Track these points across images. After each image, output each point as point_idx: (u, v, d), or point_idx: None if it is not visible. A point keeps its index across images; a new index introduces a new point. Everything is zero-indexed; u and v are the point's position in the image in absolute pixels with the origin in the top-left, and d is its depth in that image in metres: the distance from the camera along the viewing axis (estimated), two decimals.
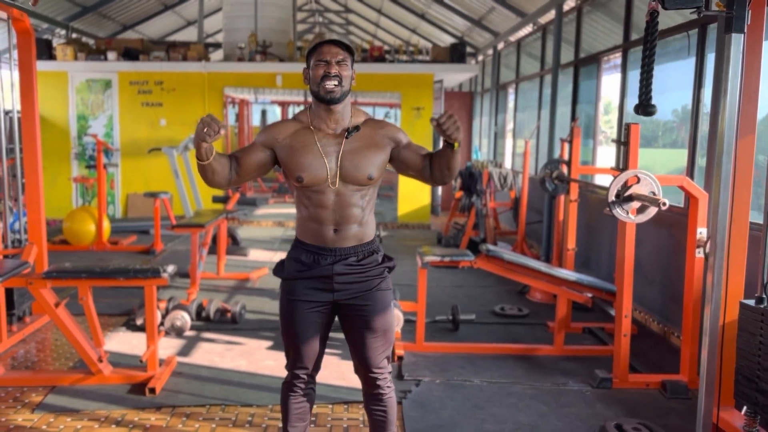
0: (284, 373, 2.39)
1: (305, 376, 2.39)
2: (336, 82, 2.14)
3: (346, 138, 2.21)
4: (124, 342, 4.35)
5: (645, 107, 2.39)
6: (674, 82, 5.21)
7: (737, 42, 2.41)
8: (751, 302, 2.67)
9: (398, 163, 2.31)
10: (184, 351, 4.21)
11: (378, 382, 2.37)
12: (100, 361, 3.58)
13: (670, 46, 5.11)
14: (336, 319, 2.40)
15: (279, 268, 2.38)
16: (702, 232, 3.64)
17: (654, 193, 3.54)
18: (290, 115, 16.76)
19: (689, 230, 3.70)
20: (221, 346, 4.31)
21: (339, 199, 2.22)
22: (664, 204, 3.31)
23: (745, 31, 2.40)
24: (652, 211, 3.54)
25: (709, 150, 3.98)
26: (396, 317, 4.32)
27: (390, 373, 2.41)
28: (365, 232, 2.30)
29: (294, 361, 2.36)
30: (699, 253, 3.64)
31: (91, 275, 3.51)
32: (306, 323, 2.29)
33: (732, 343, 2.76)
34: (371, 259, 2.30)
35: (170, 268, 3.62)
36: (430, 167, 2.26)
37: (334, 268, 2.26)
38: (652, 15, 2.32)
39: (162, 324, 4.52)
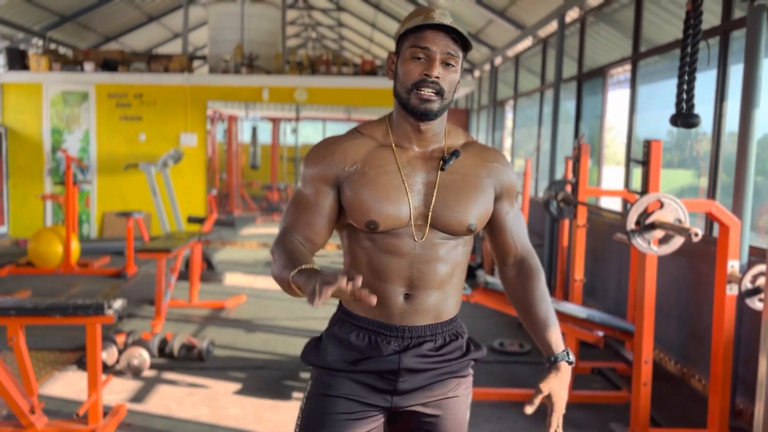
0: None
1: None
2: (436, 90, 1.44)
3: (442, 169, 1.50)
4: (72, 384, 3.81)
5: (686, 117, 1.92)
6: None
7: None
8: None
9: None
10: (139, 396, 3.68)
11: None
12: (33, 412, 3.05)
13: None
14: None
15: (312, 351, 1.57)
16: (734, 265, 3.15)
17: (680, 221, 3.06)
18: (282, 133, 16.15)
19: (718, 263, 3.21)
20: (182, 390, 3.78)
21: (420, 248, 1.49)
22: (696, 234, 2.83)
23: None
24: (678, 241, 3.06)
25: (738, 170, 3.51)
26: None
27: None
28: (448, 304, 1.54)
29: None
30: (730, 290, 3.15)
31: (21, 312, 2.99)
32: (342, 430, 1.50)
33: None
34: (453, 346, 1.55)
35: (117, 303, 3.11)
36: (512, 287, 1.63)
37: (402, 358, 1.50)
38: (695, 3, 1.84)
39: (118, 362, 3.99)
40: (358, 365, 1.50)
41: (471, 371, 1.61)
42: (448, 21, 1.42)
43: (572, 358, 1.54)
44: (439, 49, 1.43)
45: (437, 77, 1.43)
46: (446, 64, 1.44)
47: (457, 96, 12.75)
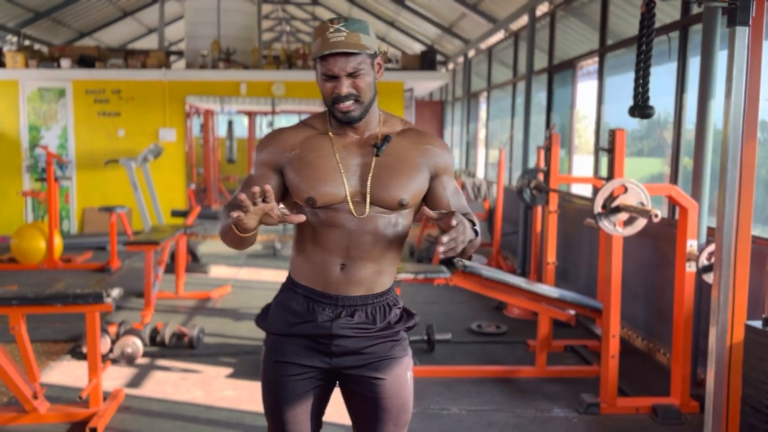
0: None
1: None
2: (352, 101, 1.65)
3: (377, 155, 1.70)
4: (68, 373, 3.95)
5: (642, 109, 2.14)
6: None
7: (741, 36, 2.17)
8: (758, 324, 2.42)
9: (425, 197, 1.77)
10: (135, 381, 3.83)
11: None
12: (35, 397, 3.19)
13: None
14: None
15: (263, 316, 1.83)
16: (692, 244, 3.41)
17: (643, 204, 3.30)
18: (258, 126, 16.17)
19: (678, 242, 3.47)
20: (176, 375, 3.94)
21: (357, 223, 1.69)
22: (657, 215, 3.07)
23: (750, 23, 2.16)
24: (641, 223, 3.30)
25: (696, 157, 3.77)
26: None
27: None
28: (382, 277, 1.74)
29: None
30: (689, 267, 3.40)
31: (23, 302, 3.12)
32: (296, 396, 1.74)
33: (737, 369, 2.50)
34: (385, 315, 1.76)
35: (115, 292, 3.26)
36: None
37: (333, 325, 1.71)
38: (649, 5, 2.07)
39: (111, 351, 4.13)
40: (295, 328, 1.73)
41: (404, 335, 1.81)
42: (342, 38, 1.60)
43: (478, 236, 1.64)
44: (340, 70, 1.62)
45: (348, 92, 1.64)
46: (353, 75, 1.64)
47: (431, 88, 12.95)
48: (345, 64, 1.62)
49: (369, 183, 1.68)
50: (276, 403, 1.76)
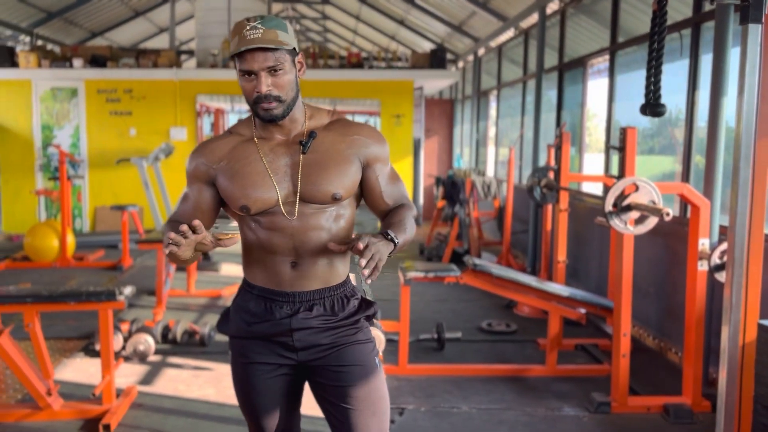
0: None
1: None
2: (272, 99, 1.63)
3: (303, 152, 1.68)
4: (81, 370, 3.98)
5: (654, 107, 2.13)
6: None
7: (754, 33, 2.16)
8: None
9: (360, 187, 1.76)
10: (147, 378, 3.86)
11: None
12: (49, 394, 3.23)
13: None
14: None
15: (223, 322, 1.84)
16: (704, 243, 3.39)
17: (654, 202, 3.28)
18: None
19: (690, 241, 3.45)
20: (188, 372, 3.96)
21: (297, 222, 1.69)
22: (668, 214, 3.06)
23: (763, 21, 2.14)
24: (652, 221, 3.29)
25: (708, 155, 3.75)
26: (377, 339, 4.01)
27: None
28: (336, 269, 1.74)
29: None
30: (701, 266, 3.39)
31: (37, 300, 3.15)
32: (266, 393, 1.75)
33: (750, 368, 2.49)
34: (343, 306, 1.75)
35: (128, 290, 3.28)
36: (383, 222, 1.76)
37: (292, 321, 1.71)
38: (660, 3, 2.06)
39: (123, 348, 4.17)
40: (254, 327, 1.73)
41: (364, 324, 1.79)
42: (259, 34, 1.58)
43: (398, 240, 1.64)
44: (259, 67, 1.59)
45: (269, 90, 1.61)
46: (273, 71, 1.61)
47: (441, 87, 12.93)
48: (263, 60, 1.59)
49: (299, 182, 1.67)
50: (249, 402, 1.78)
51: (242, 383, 1.78)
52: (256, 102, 1.64)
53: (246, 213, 1.69)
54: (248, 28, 1.59)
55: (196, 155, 1.75)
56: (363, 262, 1.50)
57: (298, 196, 1.68)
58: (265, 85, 1.61)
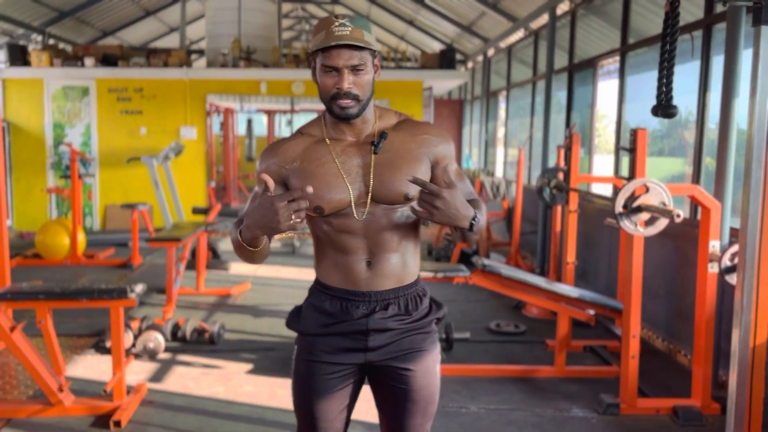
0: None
1: None
2: (351, 98, 1.65)
3: (375, 153, 1.70)
4: (92, 367, 4.02)
5: (665, 108, 2.13)
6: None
7: (767, 35, 2.15)
8: None
9: None
10: (157, 376, 3.88)
11: None
12: (61, 390, 3.25)
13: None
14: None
15: (294, 319, 1.82)
16: (715, 245, 3.38)
17: (664, 204, 3.28)
18: (277, 125, 16.28)
19: (700, 243, 3.44)
20: (197, 370, 3.99)
21: (370, 222, 1.70)
22: (678, 216, 3.05)
23: None
24: (662, 223, 3.28)
25: (719, 157, 3.73)
26: None
27: None
28: (408, 269, 1.76)
29: None
30: (712, 268, 3.38)
31: (50, 296, 3.18)
32: (328, 394, 1.75)
33: (760, 371, 2.49)
34: (417, 306, 1.77)
35: (139, 288, 3.31)
36: None
37: (369, 321, 1.72)
38: (673, 4, 2.06)
39: (134, 346, 4.19)
40: (331, 328, 1.74)
41: (434, 328, 1.81)
42: (347, 32, 1.60)
43: (479, 219, 1.62)
44: (344, 63, 1.62)
45: (349, 88, 1.63)
46: (355, 70, 1.63)
47: (450, 87, 12.93)
48: (348, 57, 1.61)
49: (371, 182, 1.68)
50: (308, 401, 1.77)
51: (303, 380, 1.77)
52: (333, 98, 1.65)
53: (319, 214, 1.70)
54: (336, 24, 1.62)
55: (269, 155, 1.75)
56: (429, 197, 1.51)
57: (369, 197, 1.69)
58: (347, 82, 1.63)
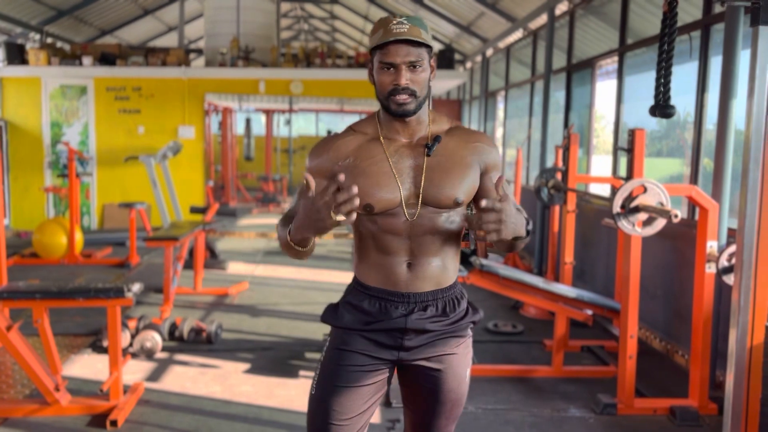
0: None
1: None
2: (408, 94, 1.66)
3: (428, 155, 1.71)
4: (89, 366, 4.01)
5: (663, 108, 2.13)
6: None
7: (765, 35, 2.15)
8: None
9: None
10: (154, 375, 3.88)
11: None
12: (57, 390, 3.25)
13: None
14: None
15: (330, 314, 1.81)
16: (712, 245, 3.38)
17: (662, 204, 3.28)
18: (275, 124, 16.27)
19: (698, 243, 3.45)
20: (194, 370, 3.98)
21: (415, 224, 1.70)
22: (676, 216, 3.05)
23: None
24: (660, 223, 3.28)
25: (717, 157, 3.74)
26: None
27: None
28: (447, 273, 1.76)
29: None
30: (709, 268, 3.38)
31: (46, 296, 3.18)
32: (354, 387, 1.73)
33: (757, 371, 2.49)
34: (454, 309, 1.77)
35: (136, 287, 3.30)
36: None
37: (407, 321, 1.72)
38: (671, 4, 2.05)
39: (131, 345, 4.19)
40: (369, 326, 1.74)
41: (470, 332, 1.83)
42: (405, 29, 1.63)
43: (530, 227, 1.64)
44: (402, 60, 1.64)
45: (407, 84, 1.65)
46: (412, 67, 1.65)
47: (449, 87, 12.93)
48: (406, 53, 1.63)
49: (422, 184, 1.69)
50: (331, 391, 1.74)
51: (331, 368, 1.75)
52: (391, 94, 1.66)
53: (368, 212, 1.69)
54: (395, 22, 1.65)
55: (321, 151, 1.75)
56: (490, 216, 1.46)
57: (420, 199, 1.69)
58: (405, 78, 1.64)
